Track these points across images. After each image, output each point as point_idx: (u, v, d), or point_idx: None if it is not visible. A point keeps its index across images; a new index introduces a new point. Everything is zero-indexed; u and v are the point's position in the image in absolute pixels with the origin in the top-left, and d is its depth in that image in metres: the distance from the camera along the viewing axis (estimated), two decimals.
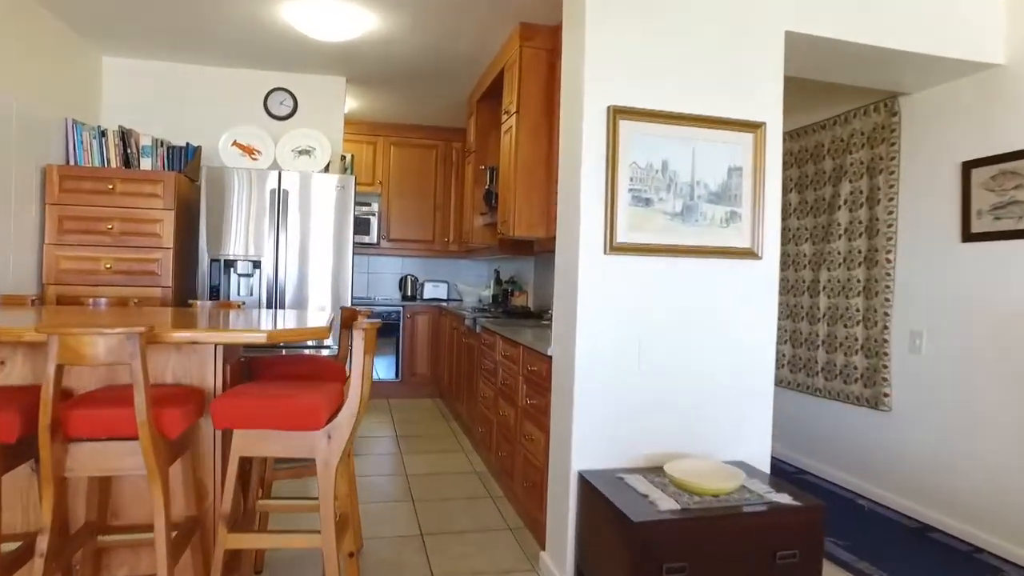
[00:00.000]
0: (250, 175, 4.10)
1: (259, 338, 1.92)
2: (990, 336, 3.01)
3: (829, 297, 3.95)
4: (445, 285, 6.52)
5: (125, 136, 4.10)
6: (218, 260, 4.05)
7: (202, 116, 4.71)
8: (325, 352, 4.21)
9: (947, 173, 3.24)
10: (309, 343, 4.19)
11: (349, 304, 4.26)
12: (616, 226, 2.42)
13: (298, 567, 2.60)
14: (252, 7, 3.69)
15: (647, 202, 2.46)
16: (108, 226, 3.88)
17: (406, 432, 4.90)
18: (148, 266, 3.94)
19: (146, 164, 4.14)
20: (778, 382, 4.34)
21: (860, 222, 3.73)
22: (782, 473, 3.99)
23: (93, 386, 2.12)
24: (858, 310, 3.73)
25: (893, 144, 3.53)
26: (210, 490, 2.19)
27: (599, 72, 2.41)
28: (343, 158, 4.83)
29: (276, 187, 4.12)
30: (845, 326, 3.81)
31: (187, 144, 4.30)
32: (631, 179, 2.44)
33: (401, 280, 6.59)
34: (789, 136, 4.29)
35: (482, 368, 4.18)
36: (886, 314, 3.55)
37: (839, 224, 3.87)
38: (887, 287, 3.55)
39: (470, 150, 5.40)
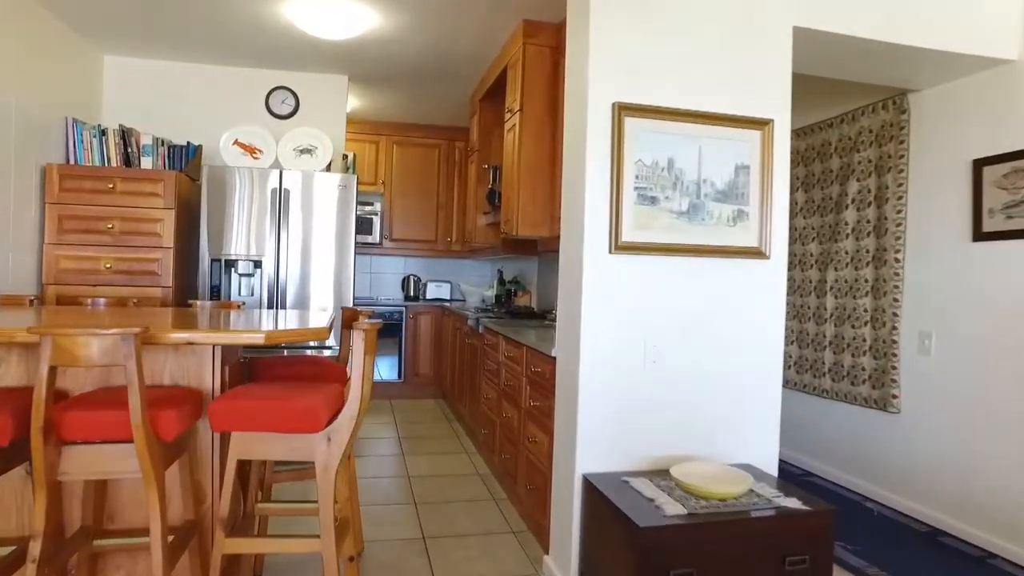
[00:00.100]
0: (251, 174, 4.06)
1: (257, 339, 1.89)
2: (1002, 336, 2.95)
3: (836, 297, 3.90)
4: (448, 285, 6.48)
5: (125, 135, 4.07)
6: (219, 260, 4.02)
7: (203, 115, 4.68)
8: (327, 353, 4.17)
9: (958, 171, 3.19)
10: (311, 344, 4.16)
11: (351, 304, 4.22)
12: (621, 225, 2.38)
13: (298, 571, 2.56)
14: (254, 5, 3.66)
15: (653, 200, 2.42)
16: (108, 226, 3.85)
17: (408, 433, 4.86)
18: (148, 266, 3.91)
19: (147, 163, 4.11)
20: (784, 383, 4.28)
21: (868, 221, 3.68)
22: (789, 476, 3.94)
23: (90, 387, 2.09)
24: (866, 310, 3.68)
25: (902, 142, 3.48)
26: (208, 493, 2.15)
27: (604, 68, 2.37)
28: (345, 157, 4.79)
29: (277, 186, 4.09)
30: (853, 327, 3.76)
31: (188, 143, 4.27)
32: (636, 177, 2.40)
33: (404, 280, 6.55)
34: (796, 134, 4.24)
35: (485, 369, 4.14)
36: (895, 314, 3.50)
37: (846, 223, 3.82)
38: (896, 287, 3.50)
39: (473, 149, 5.37)
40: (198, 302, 3.04)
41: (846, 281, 3.82)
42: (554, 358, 2.67)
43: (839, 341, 3.86)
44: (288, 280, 4.12)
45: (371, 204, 6.10)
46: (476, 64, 4.58)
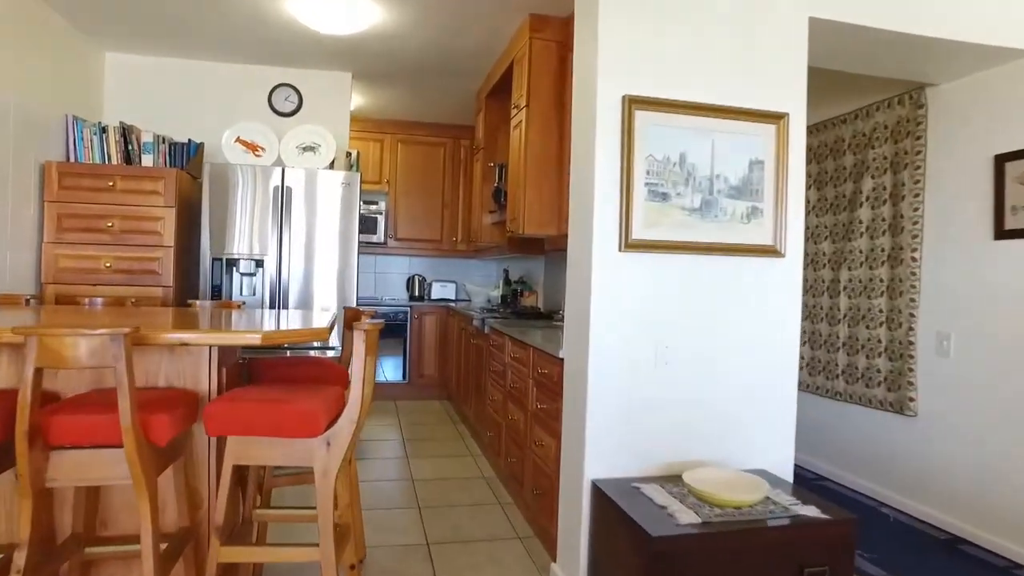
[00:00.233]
0: (254, 172, 4.00)
1: (253, 340, 1.82)
2: None
3: (850, 297, 3.80)
4: (453, 285, 6.41)
5: (126, 132, 4.02)
6: (220, 259, 3.95)
7: (206, 112, 4.62)
8: (331, 354, 4.11)
9: (978, 167, 3.10)
10: (314, 344, 4.09)
11: (355, 304, 4.16)
12: (631, 222, 2.30)
13: None
14: (256, 0, 3.60)
15: (664, 197, 2.34)
16: (108, 224, 3.79)
17: (413, 435, 4.79)
18: (149, 265, 3.85)
19: (147, 161, 4.05)
20: (796, 385, 4.18)
21: (883, 219, 3.59)
22: (801, 480, 3.85)
23: (84, 389, 2.02)
24: (881, 311, 3.58)
25: (919, 138, 3.39)
26: (205, 499, 2.08)
27: (613, 61, 2.29)
28: (348, 155, 4.72)
29: (280, 184, 4.02)
30: (867, 327, 3.66)
31: (189, 141, 4.21)
32: (647, 172, 2.32)
33: (408, 280, 6.48)
34: (808, 131, 4.15)
35: (491, 370, 4.06)
36: (911, 315, 3.40)
37: (860, 222, 3.72)
38: (912, 287, 3.40)
39: (478, 147, 5.29)
40: (197, 302, 2.97)
41: (860, 281, 3.73)
42: (561, 359, 2.59)
43: (853, 342, 3.77)
44: (290, 280, 4.06)
45: (376, 203, 6.03)
46: (481, 60, 4.51)
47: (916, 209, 3.40)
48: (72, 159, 3.92)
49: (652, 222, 2.32)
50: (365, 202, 5.84)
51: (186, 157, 4.17)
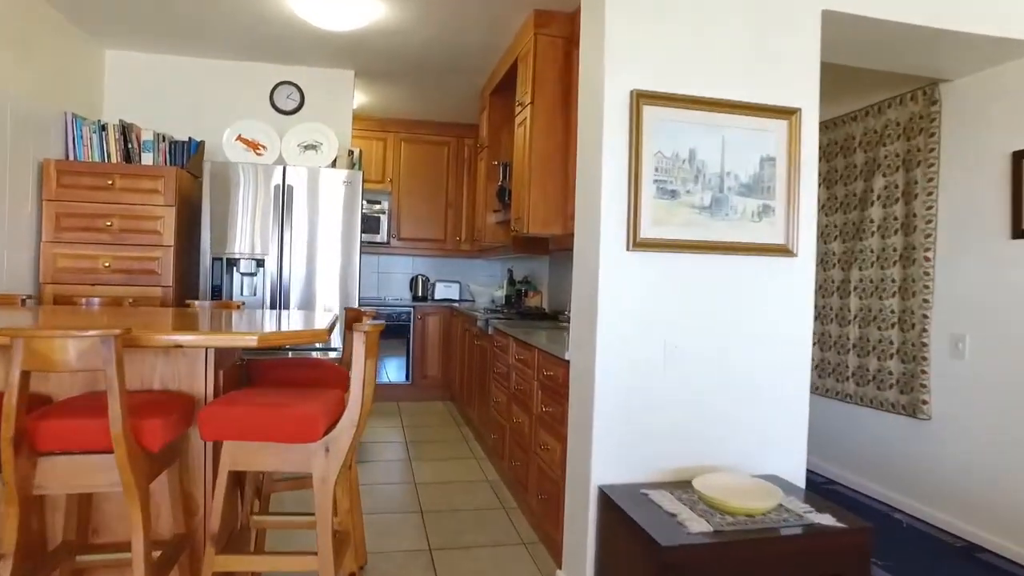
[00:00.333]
0: (255, 170, 3.94)
1: (249, 342, 1.76)
2: None
3: (861, 298, 3.73)
4: (457, 285, 6.35)
5: (126, 130, 3.97)
6: (220, 259, 3.90)
7: (207, 110, 4.57)
8: (332, 355, 4.05)
9: (995, 164, 3.02)
10: (316, 346, 4.04)
11: (357, 305, 4.10)
12: (639, 220, 2.23)
13: None
14: None
15: (673, 194, 2.27)
16: (107, 223, 3.74)
17: (415, 437, 4.73)
18: (148, 264, 3.80)
19: (147, 159, 4.00)
20: None
21: (895, 218, 3.51)
22: (811, 484, 3.76)
23: (77, 391, 1.97)
24: (893, 311, 3.51)
25: (932, 135, 3.31)
26: (200, 505, 2.03)
27: (621, 54, 2.23)
28: (351, 153, 4.67)
29: (281, 183, 3.97)
30: (879, 328, 3.59)
31: (189, 139, 4.16)
32: (656, 170, 2.25)
33: (412, 280, 6.42)
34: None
35: (495, 372, 4.00)
36: (925, 316, 3.33)
37: (871, 221, 3.65)
38: (926, 287, 3.33)
39: (482, 145, 5.23)
40: (196, 302, 2.92)
41: (871, 281, 3.66)
42: (567, 362, 2.53)
43: (864, 344, 3.69)
44: (292, 280, 4.00)
45: (379, 202, 5.97)
46: (485, 56, 4.45)
47: (930, 208, 3.32)
48: (71, 157, 3.87)
49: (660, 220, 2.26)
50: (368, 201, 5.78)
51: (186, 155, 4.12)
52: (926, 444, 3.32)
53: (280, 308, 3.98)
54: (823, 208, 4.03)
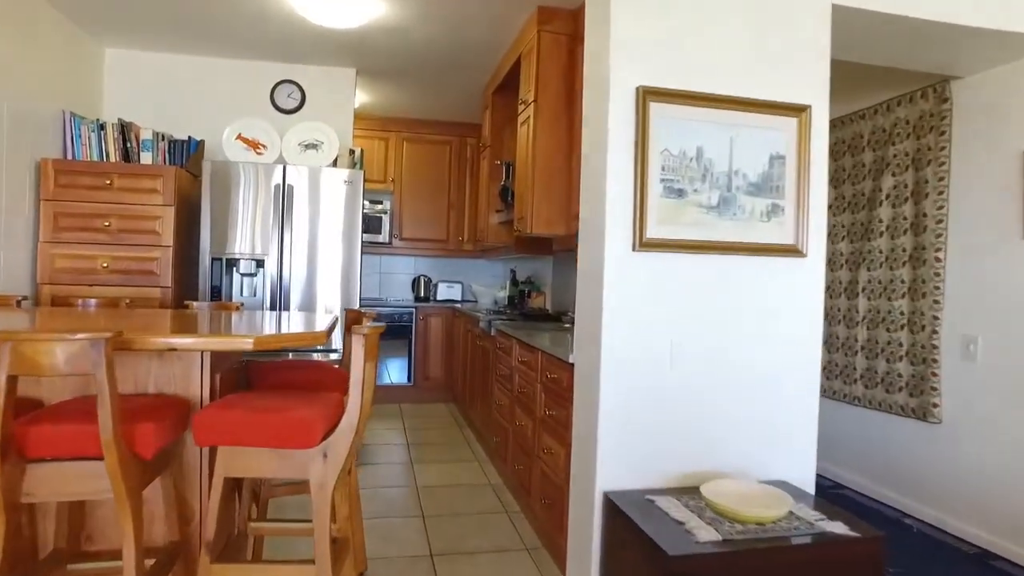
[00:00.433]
0: (255, 169, 3.90)
1: (245, 344, 1.71)
2: None
3: (869, 299, 3.67)
4: (459, 286, 6.30)
5: (124, 129, 3.92)
6: (220, 259, 3.85)
7: (207, 109, 4.52)
8: (333, 356, 4.00)
9: (1007, 163, 2.96)
10: (317, 348, 3.99)
11: (358, 306, 4.05)
12: (646, 220, 2.18)
13: None
14: None
15: (680, 193, 2.22)
16: (105, 223, 3.69)
17: (417, 439, 4.68)
18: (147, 265, 3.75)
19: (146, 158, 3.96)
20: None
21: (905, 218, 3.45)
22: (819, 489, 3.70)
23: (69, 395, 1.92)
24: (902, 313, 3.45)
25: (943, 133, 3.25)
26: (196, 511, 1.98)
27: (627, 50, 2.18)
28: (352, 152, 4.62)
29: (281, 182, 3.92)
30: (888, 330, 3.53)
31: (189, 138, 4.11)
32: (662, 168, 2.20)
33: (414, 281, 6.38)
34: None
35: (497, 373, 3.95)
36: (935, 317, 3.27)
37: (880, 221, 3.59)
38: (936, 288, 3.27)
39: (485, 145, 5.18)
40: (195, 303, 2.88)
41: (880, 282, 3.60)
42: (571, 364, 2.48)
43: (872, 345, 3.63)
44: (292, 280, 3.95)
45: (380, 202, 5.92)
46: (488, 54, 4.40)
47: (940, 207, 3.26)
48: (70, 156, 3.83)
49: (667, 220, 2.21)
50: (370, 201, 5.73)
51: (186, 155, 4.08)
52: (937, 448, 3.26)
53: (280, 309, 3.94)
54: (830, 208, 3.97)
